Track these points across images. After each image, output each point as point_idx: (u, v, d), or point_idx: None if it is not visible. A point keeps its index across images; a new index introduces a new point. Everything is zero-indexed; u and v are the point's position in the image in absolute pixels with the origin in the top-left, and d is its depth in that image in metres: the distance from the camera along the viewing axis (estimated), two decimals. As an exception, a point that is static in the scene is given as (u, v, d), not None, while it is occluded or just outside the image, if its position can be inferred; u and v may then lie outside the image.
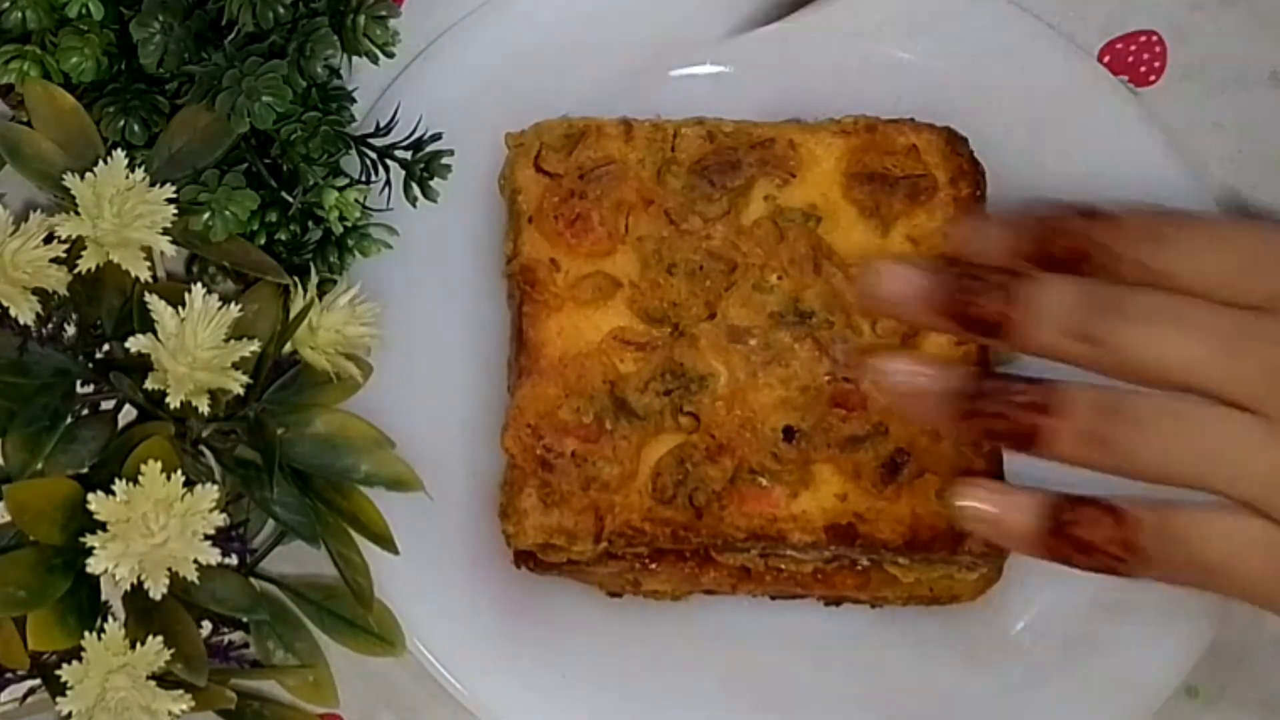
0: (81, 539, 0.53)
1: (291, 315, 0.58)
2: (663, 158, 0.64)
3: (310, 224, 0.61)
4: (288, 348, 0.58)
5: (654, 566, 0.62)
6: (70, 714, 0.53)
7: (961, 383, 0.53)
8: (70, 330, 0.59)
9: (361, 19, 0.59)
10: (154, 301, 0.55)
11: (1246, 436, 0.51)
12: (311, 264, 0.60)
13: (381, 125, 0.62)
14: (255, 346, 0.56)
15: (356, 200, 0.60)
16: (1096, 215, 0.53)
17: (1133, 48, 0.70)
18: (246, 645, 0.61)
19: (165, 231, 0.56)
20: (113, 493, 0.53)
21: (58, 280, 0.56)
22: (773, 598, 0.64)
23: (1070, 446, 0.52)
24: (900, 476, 0.60)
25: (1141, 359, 0.51)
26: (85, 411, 0.58)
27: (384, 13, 0.59)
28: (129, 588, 0.53)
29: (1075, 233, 0.53)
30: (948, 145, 0.64)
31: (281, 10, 0.58)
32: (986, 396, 0.53)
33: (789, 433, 0.61)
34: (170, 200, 0.56)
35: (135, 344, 0.55)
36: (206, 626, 0.59)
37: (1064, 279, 0.53)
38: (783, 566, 0.62)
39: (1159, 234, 0.53)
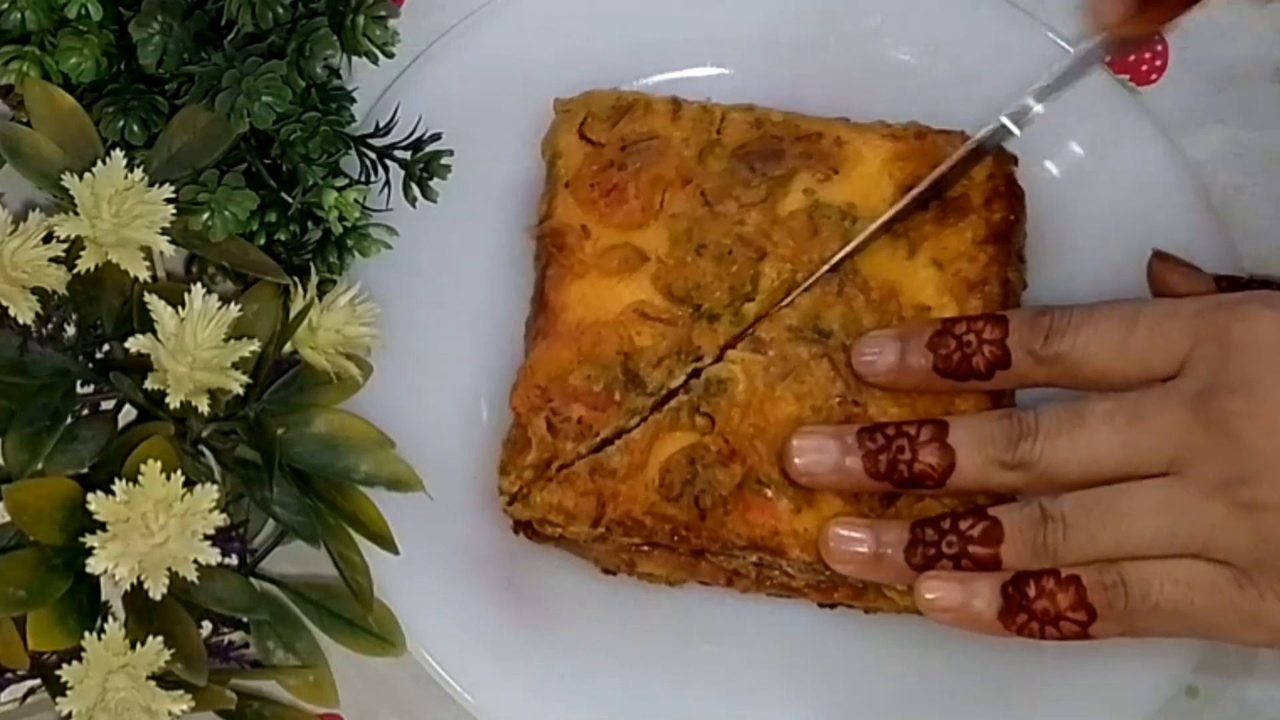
0: (81, 539, 0.53)
1: (291, 315, 0.58)
2: (707, 139, 0.64)
3: (310, 224, 0.61)
4: (288, 348, 0.58)
5: (650, 550, 0.62)
6: (70, 714, 0.53)
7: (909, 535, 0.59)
8: (70, 330, 0.59)
9: (361, 19, 0.59)
10: (154, 301, 0.55)
11: (1170, 499, 0.56)
12: (311, 264, 0.61)
13: (381, 125, 0.62)
14: (255, 346, 0.56)
15: (356, 200, 0.60)
16: (984, 320, 0.59)
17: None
18: (246, 645, 0.61)
19: (165, 231, 0.56)
20: (113, 493, 0.53)
21: (57, 280, 0.56)
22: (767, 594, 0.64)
23: (1026, 561, 0.57)
24: (900, 501, 0.60)
25: (1065, 471, 0.57)
26: (85, 411, 0.58)
27: (383, 13, 0.60)
28: (129, 588, 0.53)
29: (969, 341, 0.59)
30: (995, 164, 0.63)
31: (281, 10, 0.58)
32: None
33: None
34: (170, 200, 0.56)
35: (135, 344, 0.55)
36: (206, 626, 0.59)
37: (980, 418, 0.59)
38: (775, 576, 0.62)
39: (1041, 325, 0.58)
